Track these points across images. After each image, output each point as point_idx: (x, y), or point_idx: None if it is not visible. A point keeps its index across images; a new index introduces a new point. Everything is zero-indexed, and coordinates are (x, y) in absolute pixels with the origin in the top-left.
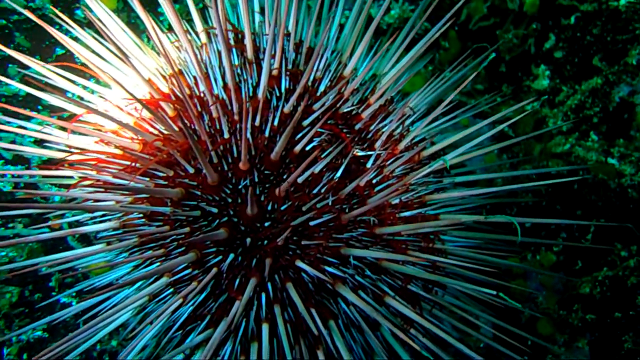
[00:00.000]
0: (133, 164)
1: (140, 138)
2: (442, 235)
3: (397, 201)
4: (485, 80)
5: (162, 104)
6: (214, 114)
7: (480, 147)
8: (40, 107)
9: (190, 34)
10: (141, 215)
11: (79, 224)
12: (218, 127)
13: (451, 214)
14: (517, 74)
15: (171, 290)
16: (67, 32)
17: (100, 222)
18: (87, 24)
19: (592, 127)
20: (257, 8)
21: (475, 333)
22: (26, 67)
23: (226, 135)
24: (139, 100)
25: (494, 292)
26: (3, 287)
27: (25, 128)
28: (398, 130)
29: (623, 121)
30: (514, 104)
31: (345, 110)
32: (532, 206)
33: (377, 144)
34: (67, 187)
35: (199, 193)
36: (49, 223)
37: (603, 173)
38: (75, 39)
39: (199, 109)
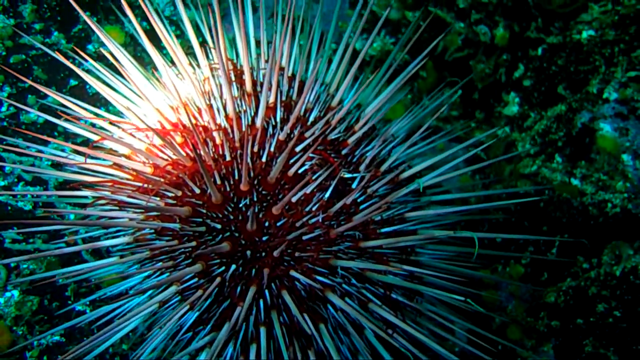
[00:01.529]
0: (145, 185)
1: (151, 162)
2: (418, 249)
3: (379, 218)
4: (460, 107)
5: (172, 133)
6: (218, 141)
7: (454, 169)
8: (56, 134)
9: (193, 67)
10: (152, 231)
11: (92, 239)
12: (221, 152)
13: (428, 229)
14: (489, 101)
15: (178, 298)
16: (79, 65)
17: (114, 237)
18: (97, 58)
19: (557, 150)
20: (252, 42)
21: (451, 337)
22: (43, 98)
23: (228, 158)
24: (154, 131)
25: (462, 298)
26: (25, 296)
27: (43, 152)
28: (381, 155)
29: (584, 145)
30: (486, 129)
31: (333, 137)
32: (502, 223)
33: (362, 167)
34: (82, 206)
35: (204, 211)
36: (65, 239)
37: (567, 192)
38: (88, 71)
39: (204, 136)
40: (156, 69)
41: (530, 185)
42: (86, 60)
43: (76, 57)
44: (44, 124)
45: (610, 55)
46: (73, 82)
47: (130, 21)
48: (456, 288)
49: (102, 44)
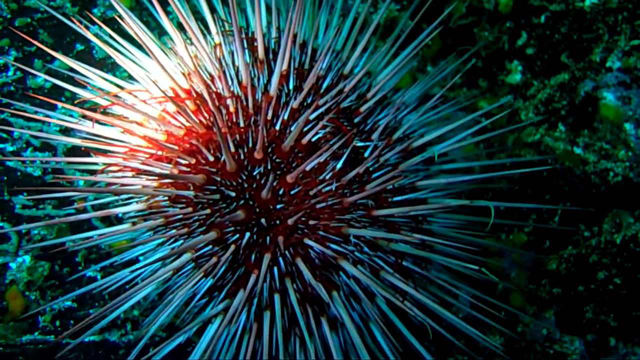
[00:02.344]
0: (159, 153)
1: (164, 129)
2: (429, 218)
3: (391, 187)
4: (464, 75)
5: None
6: (231, 109)
7: (462, 140)
8: (63, 99)
9: (203, 33)
10: (166, 198)
11: (103, 206)
12: (235, 120)
13: (438, 198)
14: (492, 69)
15: (192, 265)
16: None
17: (126, 204)
18: (104, 22)
19: (560, 118)
20: (263, 9)
21: (456, 302)
22: (50, 62)
23: (242, 127)
24: (168, 97)
25: (477, 267)
26: (36, 262)
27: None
28: (392, 123)
29: (587, 114)
30: (490, 97)
31: (345, 105)
32: (506, 191)
33: (374, 135)
34: (92, 172)
35: (218, 179)
36: (75, 205)
37: (569, 161)
38: (96, 35)
39: (217, 103)
40: (163, 34)
41: (534, 154)
42: (93, 24)
43: (82, 19)
44: (51, 88)
45: (614, 24)
46: (79, 47)
47: None
48: (464, 256)
49: (108, 8)
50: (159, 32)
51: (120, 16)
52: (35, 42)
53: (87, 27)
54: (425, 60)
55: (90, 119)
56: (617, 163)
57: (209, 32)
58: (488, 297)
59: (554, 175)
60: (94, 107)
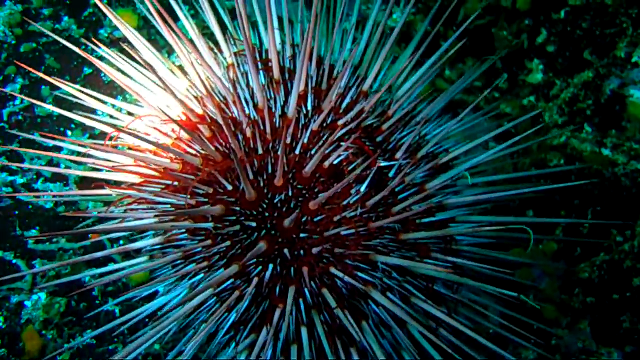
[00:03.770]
0: (174, 184)
1: (179, 158)
2: (458, 236)
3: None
4: (483, 77)
5: (199, 126)
6: (248, 134)
7: (487, 151)
8: (73, 125)
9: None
10: (184, 230)
11: (118, 239)
12: (252, 145)
13: (466, 215)
14: (512, 69)
15: (215, 299)
16: (92, 52)
17: (143, 238)
18: (111, 44)
19: (586, 119)
20: (276, 25)
21: (485, 323)
22: (58, 88)
23: (260, 153)
24: (181, 126)
25: (515, 294)
26: (52, 298)
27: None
28: (415, 139)
29: (615, 113)
30: (511, 99)
31: (367, 124)
32: (532, 198)
33: (398, 155)
34: (105, 202)
35: (238, 209)
36: (90, 238)
37: (598, 163)
38: (101, 58)
39: (233, 129)
40: (171, 53)
41: (560, 158)
42: (99, 47)
43: (89, 44)
44: (60, 115)
45: (638, 16)
46: (87, 70)
47: (142, 1)
48: (492, 274)
49: (115, 29)
50: (168, 51)
51: (125, 37)
52: (40, 74)
53: (93, 51)
54: (444, 64)
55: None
56: None
57: (221, 52)
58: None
59: (582, 179)
60: (105, 135)
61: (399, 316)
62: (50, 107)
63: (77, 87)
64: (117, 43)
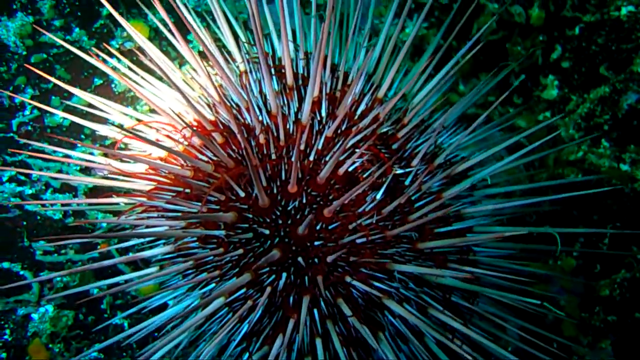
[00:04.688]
0: (186, 190)
1: (190, 165)
2: (474, 247)
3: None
4: (497, 92)
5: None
6: (261, 140)
7: (506, 164)
8: (83, 136)
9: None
10: (195, 238)
11: (127, 249)
12: (266, 152)
13: (483, 225)
14: (526, 85)
15: (226, 310)
16: (104, 62)
17: (153, 247)
18: (122, 54)
19: (603, 134)
20: (289, 32)
21: (504, 335)
22: (68, 98)
23: (274, 159)
24: (196, 132)
25: (538, 302)
26: (60, 311)
27: (71, 157)
28: (431, 147)
29: (633, 127)
30: (526, 115)
31: (382, 131)
32: (549, 212)
33: (414, 162)
34: (116, 212)
35: (250, 216)
36: (98, 248)
37: (616, 179)
38: (113, 68)
39: (246, 135)
40: (184, 63)
41: (577, 173)
42: (111, 56)
43: (100, 53)
44: (70, 126)
45: None
46: (98, 81)
47: (155, 13)
48: (512, 286)
49: (126, 40)
50: (180, 62)
51: (139, 48)
52: (52, 79)
53: (104, 61)
54: (457, 78)
55: (112, 157)
56: None
57: (233, 59)
58: (538, 329)
59: (600, 194)
60: (115, 143)
61: (416, 327)
62: (60, 114)
63: (89, 94)
64: (128, 54)
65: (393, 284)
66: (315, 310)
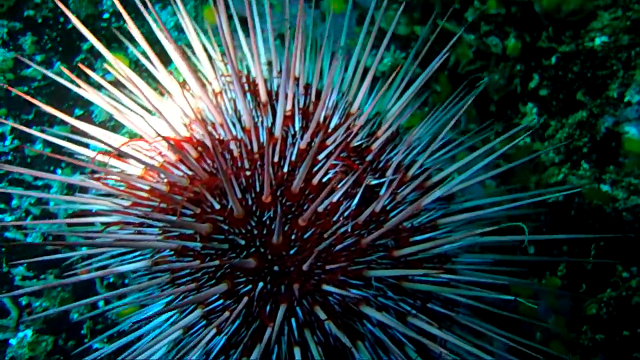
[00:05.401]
0: (162, 205)
1: (166, 180)
2: (454, 258)
3: (410, 226)
4: (477, 120)
5: (186, 146)
6: (235, 153)
7: (479, 175)
8: (63, 164)
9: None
10: (172, 253)
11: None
12: (240, 164)
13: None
14: (506, 113)
15: (204, 322)
16: (81, 97)
17: (131, 262)
18: (102, 87)
19: (583, 156)
20: (263, 51)
21: (492, 348)
22: (49, 127)
23: (248, 172)
24: (171, 144)
25: (512, 297)
26: (39, 336)
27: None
28: (406, 161)
29: (611, 149)
30: (506, 140)
31: (356, 144)
32: (532, 234)
33: (388, 172)
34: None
35: (226, 227)
36: (78, 270)
37: (597, 199)
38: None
39: (220, 148)
40: (162, 94)
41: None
42: (91, 85)
43: (79, 88)
44: (49, 156)
45: (627, 59)
46: (78, 112)
47: (136, 45)
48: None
49: (106, 72)
50: (161, 92)
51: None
52: (36, 101)
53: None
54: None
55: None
56: None
57: (209, 82)
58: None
59: (582, 214)
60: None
61: (396, 335)
62: (42, 135)
63: (70, 118)
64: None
65: (370, 292)
66: (293, 320)
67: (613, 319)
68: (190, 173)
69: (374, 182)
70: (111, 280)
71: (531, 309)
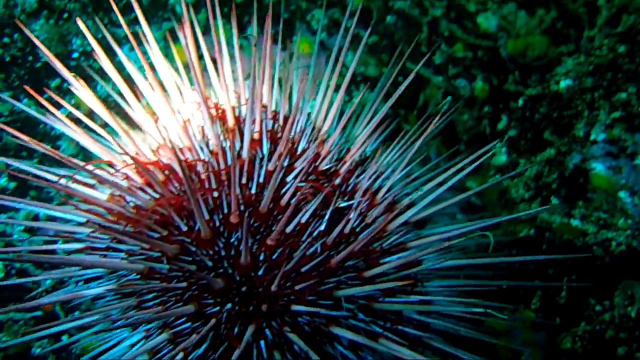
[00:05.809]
0: (128, 228)
1: (132, 204)
2: (425, 282)
3: (379, 247)
4: (447, 160)
5: (152, 169)
6: (203, 176)
7: (445, 200)
8: (28, 198)
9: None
10: (138, 276)
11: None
12: (207, 186)
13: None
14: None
15: (171, 347)
16: (51, 130)
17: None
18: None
19: (552, 192)
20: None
21: None
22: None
23: (215, 194)
24: (137, 163)
25: (482, 310)
26: None
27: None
28: (375, 185)
29: (579, 185)
30: (476, 179)
31: (324, 168)
32: (505, 268)
33: (357, 195)
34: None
35: (193, 248)
36: (42, 308)
37: (568, 233)
38: (61, 135)
39: (187, 171)
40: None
41: (530, 228)
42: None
43: (47, 121)
44: (13, 190)
45: (592, 100)
46: (46, 145)
47: (108, 81)
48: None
49: (75, 107)
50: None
51: (87, 113)
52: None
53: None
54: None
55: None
56: (619, 232)
57: (179, 111)
58: None
59: (554, 249)
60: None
61: (367, 358)
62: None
63: (40, 143)
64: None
65: (341, 312)
66: (262, 341)
67: (588, 352)
68: (156, 196)
69: (343, 204)
70: (76, 314)
71: (507, 342)
